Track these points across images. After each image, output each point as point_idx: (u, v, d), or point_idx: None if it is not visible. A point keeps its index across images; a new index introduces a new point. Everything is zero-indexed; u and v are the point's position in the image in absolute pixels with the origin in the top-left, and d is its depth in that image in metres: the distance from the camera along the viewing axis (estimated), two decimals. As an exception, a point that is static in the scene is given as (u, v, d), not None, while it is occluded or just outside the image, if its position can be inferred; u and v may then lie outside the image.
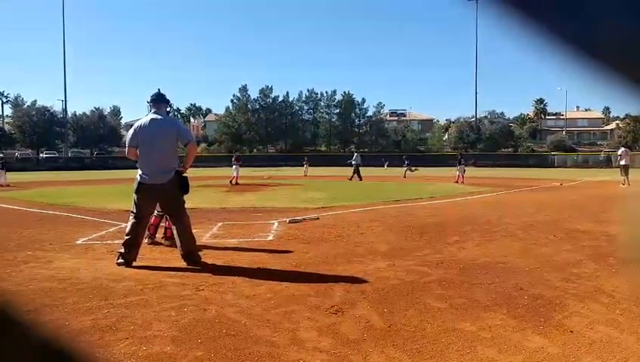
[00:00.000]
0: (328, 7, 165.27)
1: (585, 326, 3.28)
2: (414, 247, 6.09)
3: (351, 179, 22.64)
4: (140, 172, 5.18)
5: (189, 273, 4.80)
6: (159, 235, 6.33)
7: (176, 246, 5.35)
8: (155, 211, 6.04)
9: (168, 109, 5.59)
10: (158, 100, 5.36)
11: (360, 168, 23.21)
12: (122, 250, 5.14)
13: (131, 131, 5.25)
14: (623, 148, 19.37)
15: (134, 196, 5.22)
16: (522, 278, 4.55)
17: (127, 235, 5.18)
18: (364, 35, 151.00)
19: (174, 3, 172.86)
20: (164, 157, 5.17)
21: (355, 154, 24.99)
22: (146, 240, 5.87)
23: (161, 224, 6.34)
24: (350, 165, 23.95)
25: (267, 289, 4.19)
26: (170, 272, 4.83)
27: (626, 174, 18.11)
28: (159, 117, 5.26)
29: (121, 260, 5.08)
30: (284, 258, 5.49)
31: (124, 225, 7.68)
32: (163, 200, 5.28)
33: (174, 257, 5.35)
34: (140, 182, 5.15)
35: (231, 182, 19.63)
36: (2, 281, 4.54)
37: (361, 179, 22.43)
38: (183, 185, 5.27)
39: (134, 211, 5.20)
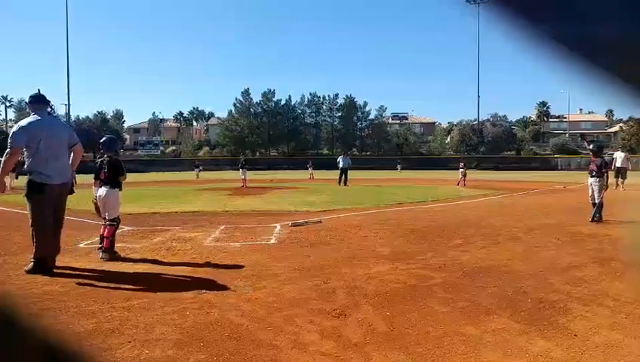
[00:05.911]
0: (330, 11, 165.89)
1: (589, 329, 3.27)
2: (417, 251, 6.07)
3: (344, 184, 20.70)
4: (35, 173, 4.89)
5: (190, 276, 4.80)
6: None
7: (116, 258, 5.49)
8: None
9: (49, 110, 5.50)
10: (40, 101, 5.18)
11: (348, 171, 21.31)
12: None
13: (18, 131, 4.87)
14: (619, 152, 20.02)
15: (32, 200, 4.88)
16: (526, 282, 4.53)
17: (37, 246, 4.87)
18: (366, 38, 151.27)
19: (176, 7, 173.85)
20: (63, 158, 5.13)
21: (343, 156, 22.15)
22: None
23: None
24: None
25: (269, 292, 4.19)
26: (171, 275, 4.84)
27: (616, 177, 18.43)
28: (51, 118, 5.21)
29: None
30: (287, 261, 5.48)
31: (126, 228, 7.73)
32: (58, 200, 5.06)
33: (175, 260, 5.35)
34: (41, 183, 4.85)
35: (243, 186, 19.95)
36: (4, 284, 4.55)
37: (346, 184, 20.61)
38: (72, 186, 5.32)
39: (36, 217, 4.88)
